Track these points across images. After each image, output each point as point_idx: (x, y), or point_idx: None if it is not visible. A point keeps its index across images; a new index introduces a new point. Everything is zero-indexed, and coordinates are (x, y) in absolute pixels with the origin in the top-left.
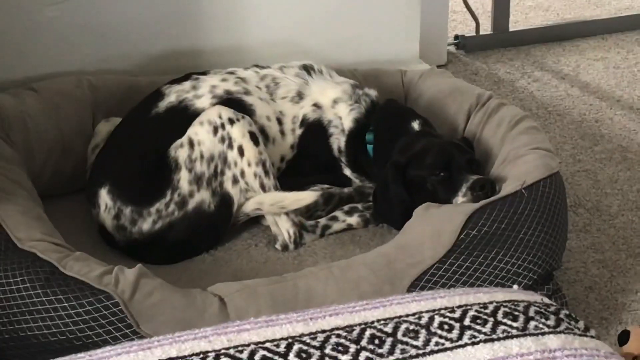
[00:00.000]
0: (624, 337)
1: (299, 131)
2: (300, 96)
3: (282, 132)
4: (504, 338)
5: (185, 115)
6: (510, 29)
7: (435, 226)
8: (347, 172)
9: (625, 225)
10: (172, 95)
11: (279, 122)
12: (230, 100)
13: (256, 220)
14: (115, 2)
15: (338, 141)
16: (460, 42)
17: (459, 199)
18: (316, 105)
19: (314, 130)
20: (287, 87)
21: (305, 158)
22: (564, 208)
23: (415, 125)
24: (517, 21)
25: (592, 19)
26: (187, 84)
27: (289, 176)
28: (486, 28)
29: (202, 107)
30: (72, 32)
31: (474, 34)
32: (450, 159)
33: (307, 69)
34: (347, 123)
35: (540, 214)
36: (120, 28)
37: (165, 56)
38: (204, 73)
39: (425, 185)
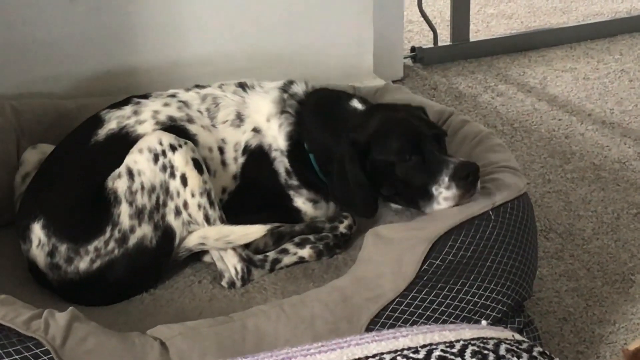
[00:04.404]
0: None
1: (241, 159)
2: (240, 118)
3: (224, 162)
4: None
5: (126, 143)
6: (471, 39)
7: (394, 255)
8: (299, 201)
9: (600, 250)
10: (113, 122)
11: (221, 151)
12: (173, 128)
13: (197, 255)
14: (39, 18)
15: (283, 163)
16: (418, 54)
17: (442, 191)
18: (256, 130)
19: (257, 157)
20: (227, 109)
21: (250, 189)
22: (534, 232)
23: (356, 104)
24: (478, 30)
25: (559, 26)
26: (127, 109)
27: (232, 209)
28: (445, 39)
29: (144, 133)
30: None
31: (431, 45)
32: (420, 137)
33: (243, 86)
34: (282, 143)
35: (509, 240)
36: (45, 47)
37: (96, 77)
38: (145, 96)
39: (394, 172)
